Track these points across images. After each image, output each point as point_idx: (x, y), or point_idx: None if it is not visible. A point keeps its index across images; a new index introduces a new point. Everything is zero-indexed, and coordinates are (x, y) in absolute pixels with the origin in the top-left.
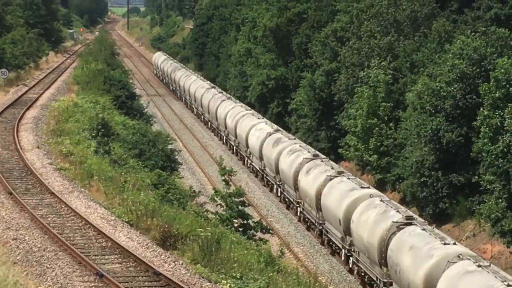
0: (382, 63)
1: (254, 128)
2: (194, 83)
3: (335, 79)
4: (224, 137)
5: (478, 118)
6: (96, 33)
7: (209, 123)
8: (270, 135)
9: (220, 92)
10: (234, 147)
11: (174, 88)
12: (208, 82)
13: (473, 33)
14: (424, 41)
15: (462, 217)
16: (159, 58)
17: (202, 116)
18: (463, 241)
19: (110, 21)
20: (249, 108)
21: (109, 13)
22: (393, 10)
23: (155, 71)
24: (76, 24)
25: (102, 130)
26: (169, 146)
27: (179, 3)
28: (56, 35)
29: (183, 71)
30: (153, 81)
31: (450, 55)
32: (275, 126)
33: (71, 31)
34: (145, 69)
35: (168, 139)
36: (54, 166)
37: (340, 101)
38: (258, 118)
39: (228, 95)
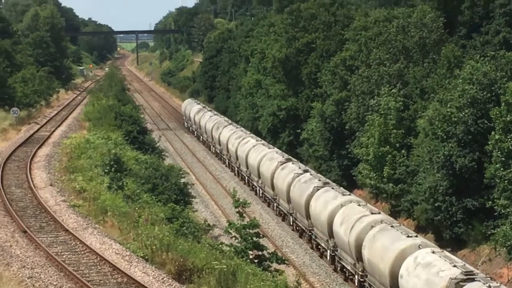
0: (392, 90)
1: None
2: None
3: (346, 108)
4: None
5: (490, 143)
6: (106, 69)
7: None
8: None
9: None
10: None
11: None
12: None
13: (482, 58)
14: (433, 67)
15: (478, 242)
16: (191, 107)
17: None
18: (479, 266)
19: (119, 57)
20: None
21: (119, 48)
22: (401, 37)
23: (186, 124)
24: (86, 60)
25: (115, 165)
26: (182, 180)
27: (188, 37)
28: (66, 73)
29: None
30: (164, 115)
31: (460, 81)
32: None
33: (81, 68)
34: (155, 103)
35: (181, 172)
36: (68, 203)
37: (351, 130)
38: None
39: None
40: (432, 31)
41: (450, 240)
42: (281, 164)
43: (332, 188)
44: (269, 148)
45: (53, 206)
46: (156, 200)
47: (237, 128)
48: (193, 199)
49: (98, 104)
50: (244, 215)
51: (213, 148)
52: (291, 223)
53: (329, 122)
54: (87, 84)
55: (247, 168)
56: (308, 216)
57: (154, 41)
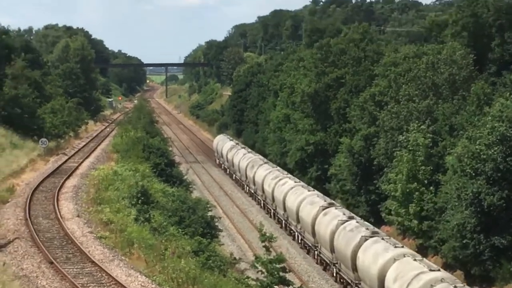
0: (421, 126)
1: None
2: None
3: (374, 143)
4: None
5: None
6: (135, 101)
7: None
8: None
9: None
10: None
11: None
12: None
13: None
14: (463, 104)
15: (506, 280)
16: (224, 144)
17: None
18: None
19: (148, 89)
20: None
21: (148, 81)
22: (431, 74)
23: (217, 160)
24: (115, 92)
25: (142, 198)
26: (209, 213)
27: (217, 71)
28: (95, 104)
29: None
30: (192, 148)
31: (490, 118)
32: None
33: (110, 99)
34: (184, 136)
35: (208, 205)
36: (95, 235)
37: (379, 165)
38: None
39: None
40: (462, 68)
41: (478, 277)
42: (323, 209)
43: (383, 239)
44: (309, 191)
45: (80, 237)
46: (183, 233)
47: (273, 167)
48: (219, 233)
49: (127, 136)
50: (271, 249)
51: (247, 187)
52: (334, 274)
53: (357, 157)
54: (115, 116)
55: (285, 211)
56: (354, 268)
57: (184, 74)
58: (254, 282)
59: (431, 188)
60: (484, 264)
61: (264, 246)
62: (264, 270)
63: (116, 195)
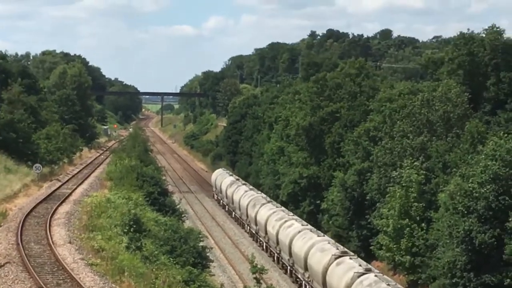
0: (415, 163)
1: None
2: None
3: (367, 178)
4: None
5: (510, 219)
6: (130, 129)
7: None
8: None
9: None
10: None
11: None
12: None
13: (506, 135)
14: (456, 141)
15: None
16: (223, 179)
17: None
18: None
19: (144, 118)
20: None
21: (143, 109)
22: (426, 111)
23: (215, 196)
24: (110, 120)
25: (134, 226)
26: (201, 243)
27: (213, 101)
28: (90, 131)
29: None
30: (186, 178)
31: (483, 156)
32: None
33: (105, 127)
34: (178, 165)
35: (200, 236)
36: (86, 262)
37: (372, 201)
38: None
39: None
40: (457, 105)
41: None
42: (336, 258)
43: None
44: (318, 236)
45: (71, 264)
46: (174, 262)
47: (277, 207)
48: (210, 263)
49: (121, 164)
50: (261, 281)
51: (248, 227)
52: None
53: (350, 191)
54: (110, 144)
55: (290, 256)
56: None
57: (179, 104)
58: None
59: (423, 224)
60: None
61: (255, 278)
62: None
63: (109, 222)
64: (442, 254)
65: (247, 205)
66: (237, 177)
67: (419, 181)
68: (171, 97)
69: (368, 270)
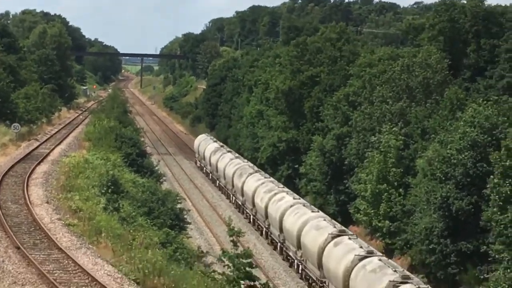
0: (394, 128)
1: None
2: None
3: (346, 143)
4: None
5: (488, 187)
6: (109, 90)
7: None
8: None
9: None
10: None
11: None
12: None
13: (485, 102)
14: (436, 108)
15: (471, 285)
16: (207, 145)
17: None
18: None
19: (123, 79)
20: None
21: (123, 70)
22: (405, 76)
23: (198, 163)
24: (90, 80)
25: (112, 187)
26: (178, 205)
27: (193, 63)
28: (70, 91)
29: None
30: (164, 140)
31: (462, 123)
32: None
33: (84, 87)
34: (156, 127)
35: (178, 198)
36: (63, 222)
37: (350, 165)
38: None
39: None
40: (437, 72)
41: (443, 281)
42: (333, 238)
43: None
44: (312, 211)
45: (48, 224)
46: (151, 224)
47: (265, 178)
48: (188, 225)
49: (99, 125)
50: (238, 244)
51: (233, 198)
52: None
53: (329, 156)
54: (89, 104)
55: (281, 232)
56: None
57: (159, 65)
58: (220, 276)
59: (401, 190)
60: (450, 268)
61: (232, 241)
62: (230, 265)
63: (86, 183)
64: (419, 220)
65: (233, 175)
66: (221, 144)
67: (397, 146)
68: (151, 58)
69: (370, 253)
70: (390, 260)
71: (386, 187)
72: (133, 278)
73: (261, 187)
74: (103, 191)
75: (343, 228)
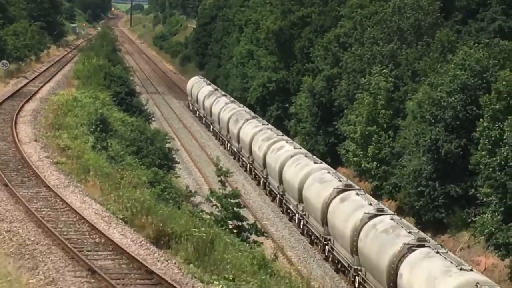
0: (384, 70)
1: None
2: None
3: (336, 84)
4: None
5: (477, 130)
6: (99, 28)
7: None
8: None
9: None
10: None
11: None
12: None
13: (476, 45)
14: (426, 50)
15: (458, 228)
16: (200, 88)
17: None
18: (458, 252)
19: (113, 17)
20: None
21: (113, 9)
22: (397, 18)
23: (191, 106)
24: (79, 18)
25: (101, 125)
26: (167, 145)
27: (183, 2)
28: (59, 29)
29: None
30: (154, 79)
31: (452, 66)
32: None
33: (73, 25)
34: (146, 66)
35: (166, 137)
36: (51, 160)
37: (340, 107)
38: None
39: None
40: (428, 14)
41: (430, 224)
42: (339, 193)
43: (437, 252)
44: (315, 162)
45: (36, 162)
46: (140, 163)
47: (263, 124)
48: (176, 165)
49: (89, 63)
50: (227, 184)
51: (228, 144)
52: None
53: (318, 97)
54: (78, 42)
55: (280, 183)
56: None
57: (149, 4)
58: (208, 216)
59: (390, 132)
60: (438, 211)
61: (220, 181)
62: (218, 205)
63: (75, 121)
64: (408, 163)
65: (228, 120)
66: (215, 87)
67: (387, 88)
68: None
69: (381, 211)
70: (402, 220)
71: (376, 129)
72: (121, 217)
73: (259, 135)
74: (92, 129)
75: (349, 182)
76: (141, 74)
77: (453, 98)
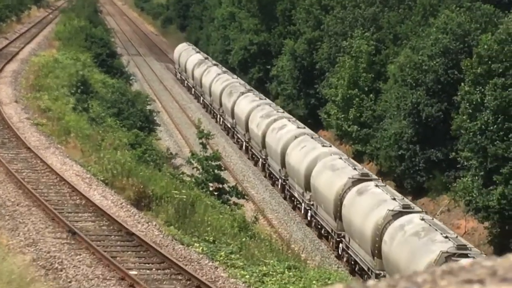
0: (366, 33)
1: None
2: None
3: (317, 47)
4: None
5: (458, 94)
6: None
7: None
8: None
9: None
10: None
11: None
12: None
13: (458, 8)
14: (408, 13)
15: (438, 192)
16: (189, 56)
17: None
18: (438, 215)
19: None
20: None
21: None
22: None
23: (179, 75)
24: None
25: (82, 87)
26: (148, 107)
27: None
28: None
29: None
30: (135, 41)
31: (434, 29)
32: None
33: None
34: (127, 27)
35: (147, 99)
36: (32, 121)
37: (321, 70)
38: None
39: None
40: None
41: (411, 188)
42: (355, 184)
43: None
44: (323, 145)
45: (17, 123)
46: (121, 125)
47: (260, 99)
48: (157, 127)
49: (70, 24)
50: (208, 146)
51: (221, 118)
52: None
53: (300, 60)
54: (60, 3)
55: (283, 167)
56: None
57: None
58: (188, 178)
59: (371, 95)
60: (418, 175)
61: (201, 143)
62: (199, 167)
63: (56, 82)
64: (389, 126)
65: (221, 93)
66: (206, 56)
67: (369, 51)
68: None
69: (407, 208)
70: (435, 219)
71: (357, 92)
72: (102, 178)
73: (256, 111)
74: (73, 91)
75: (366, 170)
76: (122, 36)
77: (434, 62)
